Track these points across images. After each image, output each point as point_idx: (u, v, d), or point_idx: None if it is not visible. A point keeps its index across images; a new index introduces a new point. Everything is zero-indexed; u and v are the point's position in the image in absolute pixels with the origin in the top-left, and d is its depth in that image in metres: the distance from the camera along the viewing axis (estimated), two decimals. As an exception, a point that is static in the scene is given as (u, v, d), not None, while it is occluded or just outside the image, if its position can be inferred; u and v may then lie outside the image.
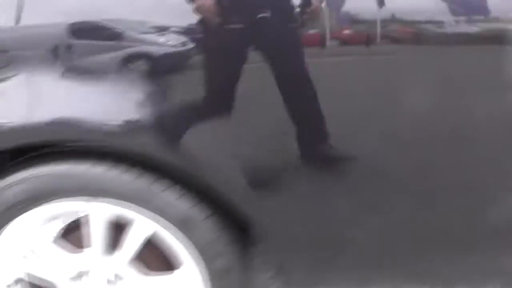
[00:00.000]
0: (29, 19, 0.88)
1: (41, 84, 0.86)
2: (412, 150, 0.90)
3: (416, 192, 0.91)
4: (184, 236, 0.96)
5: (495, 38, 0.83)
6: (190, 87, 0.87)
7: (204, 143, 0.87)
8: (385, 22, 0.83)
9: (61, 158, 0.94)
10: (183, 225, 0.95)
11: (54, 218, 1.00)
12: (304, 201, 0.93)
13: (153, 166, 0.93)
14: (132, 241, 0.99)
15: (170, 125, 0.88)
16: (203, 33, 0.86)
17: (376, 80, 0.86)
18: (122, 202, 0.94)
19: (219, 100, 0.89)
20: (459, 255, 0.96)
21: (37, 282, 1.06)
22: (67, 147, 0.93)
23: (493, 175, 0.90)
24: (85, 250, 1.02)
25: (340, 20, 0.87)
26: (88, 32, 0.88)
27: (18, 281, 1.08)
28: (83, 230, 1.05)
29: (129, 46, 0.88)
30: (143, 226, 0.96)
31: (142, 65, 0.89)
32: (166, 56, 0.88)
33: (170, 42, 0.86)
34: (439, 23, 0.84)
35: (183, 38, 0.86)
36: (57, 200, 0.94)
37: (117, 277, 1.05)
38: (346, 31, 0.87)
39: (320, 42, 0.86)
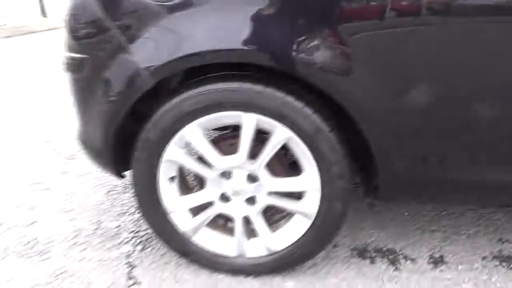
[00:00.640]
0: None
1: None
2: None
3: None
4: (313, 144, 1.29)
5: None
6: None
7: (349, 75, 1.19)
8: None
9: (226, 79, 1.29)
10: (313, 135, 1.28)
11: (214, 126, 1.35)
12: (414, 130, 1.23)
13: (296, 89, 1.27)
14: (271, 147, 1.32)
15: (324, 58, 1.20)
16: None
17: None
18: (271, 116, 1.27)
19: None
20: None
21: (188, 177, 1.41)
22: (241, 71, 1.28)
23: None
24: (232, 155, 1.36)
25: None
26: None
27: (173, 177, 1.43)
28: (231, 141, 1.40)
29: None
30: (282, 134, 1.29)
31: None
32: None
33: None
34: None
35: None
36: (226, 111, 1.28)
37: (255, 177, 1.39)
38: None
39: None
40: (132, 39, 1.25)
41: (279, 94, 1.26)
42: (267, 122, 1.29)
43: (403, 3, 1.11)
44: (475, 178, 1.29)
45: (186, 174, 1.56)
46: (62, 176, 2.21)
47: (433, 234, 1.74)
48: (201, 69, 1.31)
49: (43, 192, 2.05)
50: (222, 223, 1.53)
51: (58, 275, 1.53)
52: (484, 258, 1.60)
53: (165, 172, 1.40)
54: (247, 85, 1.27)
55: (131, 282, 1.50)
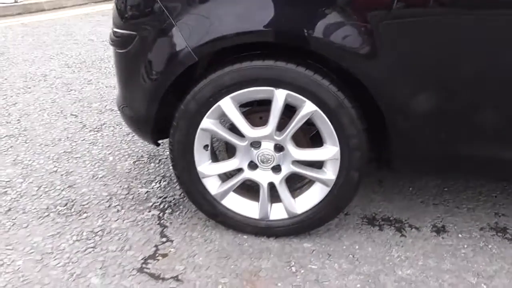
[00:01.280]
0: None
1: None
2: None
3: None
4: (335, 118, 1.45)
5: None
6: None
7: (374, 58, 1.35)
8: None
9: (260, 58, 1.44)
10: (336, 111, 1.44)
11: (246, 100, 1.50)
12: (428, 109, 1.39)
13: (323, 68, 1.42)
14: (297, 120, 1.48)
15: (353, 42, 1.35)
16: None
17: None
18: (300, 92, 1.43)
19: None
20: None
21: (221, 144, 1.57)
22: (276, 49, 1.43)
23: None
24: (262, 127, 1.52)
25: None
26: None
27: (207, 145, 1.59)
28: (260, 114, 1.55)
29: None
30: (308, 109, 1.45)
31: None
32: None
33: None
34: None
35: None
36: (259, 86, 1.44)
37: (281, 148, 1.55)
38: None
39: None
40: (178, 19, 1.40)
41: (308, 72, 1.42)
42: (296, 97, 1.45)
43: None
44: (481, 154, 1.46)
45: (214, 146, 1.71)
46: (91, 146, 2.36)
47: (436, 207, 1.91)
48: (232, 50, 1.46)
49: (75, 160, 2.21)
50: (249, 189, 1.69)
51: (97, 232, 1.69)
52: (482, 228, 1.78)
53: (200, 140, 1.56)
54: (281, 63, 1.42)
55: (164, 239, 1.66)
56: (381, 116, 1.45)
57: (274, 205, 1.65)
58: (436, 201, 1.95)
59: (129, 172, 2.12)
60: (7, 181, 2.01)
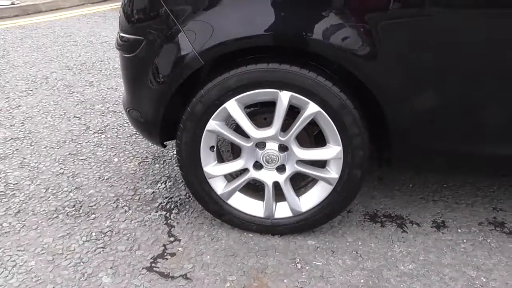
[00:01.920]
0: None
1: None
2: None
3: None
4: (338, 119, 1.49)
5: None
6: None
7: (376, 63, 1.39)
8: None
9: (265, 61, 1.47)
10: (339, 111, 1.48)
11: (251, 102, 1.54)
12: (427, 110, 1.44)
13: (326, 70, 1.46)
14: (301, 121, 1.52)
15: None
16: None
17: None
18: (303, 94, 1.47)
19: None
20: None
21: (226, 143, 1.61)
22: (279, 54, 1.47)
23: None
24: (267, 128, 1.56)
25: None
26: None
27: (212, 147, 1.63)
28: (265, 115, 1.59)
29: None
30: (312, 110, 1.49)
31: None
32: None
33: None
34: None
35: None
36: (263, 88, 1.48)
37: (287, 148, 1.59)
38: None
39: None
40: (184, 24, 1.43)
41: (312, 74, 1.46)
42: (300, 99, 1.49)
43: None
44: (480, 151, 1.51)
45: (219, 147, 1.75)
46: (96, 148, 2.39)
47: (436, 203, 1.95)
48: (237, 53, 1.50)
49: (81, 162, 2.24)
50: (254, 189, 1.73)
51: (106, 232, 1.73)
52: (480, 223, 1.83)
53: (207, 141, 1.60)
54: (285, 66, 1.46)
55: (172, 239, 1.70)
56: (383, 115, 1.49)
57: (278, 203, 1.69)
58: (435, 197, 2.00)
59: (134, 173, 2.16)
60: (15, 184, 2.04)
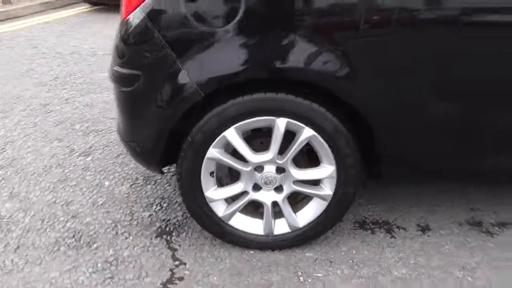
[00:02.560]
0: None
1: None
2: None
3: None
4: (332, 141, 1.58)
5: None
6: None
7: (359, 87, 1.49)
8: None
9: (262, 90, 1.55)
10: (332, 134, 1.58)
11: (249, 129, 1.61)
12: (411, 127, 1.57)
13: (320, 98, 1.55)
14: (297, 145, 1.61)
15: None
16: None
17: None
18: (299, 119, 1.55)
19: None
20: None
21: (225, 171, 1.68)
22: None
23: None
24: (264, 152, 1.64)
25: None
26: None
27: (212, 172, 1.69)
28: (261, 139, 1.67)
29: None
30: (307, 134, 1.58)
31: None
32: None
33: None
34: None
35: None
36: (261, 116, 1.55)
37: (284, 169, 1.67)
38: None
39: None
40: (184, 60, 1.49)
41: (306, 102, 1.54)
42: (295, 124, 1.57)
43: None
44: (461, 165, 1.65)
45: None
46: (84, 172, 2.40)
47: (419, 207, 2.10)
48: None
49: (72, 188, 2.25)
50: (253, 208, 1.81)
51: (111, 261, 1.77)
52: (460, 224, 1.98)
53: (207, 168, 1.66)
54: (281, 95, 1.54)
55: (177, 262, 1.76)
56: (371, 132, 1.60)
57: (277, 220, 1.78)
58: (418, 201, 2.14)
59: (127, 196, 2.19)
60: (8, 217, 2.03)
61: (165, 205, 2.12)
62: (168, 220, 2.01)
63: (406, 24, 1.42)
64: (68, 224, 1.98)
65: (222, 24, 1.45)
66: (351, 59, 1.46)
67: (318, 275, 1.71)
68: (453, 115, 1.57)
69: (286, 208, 1.74)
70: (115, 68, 1.66)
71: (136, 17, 1.52)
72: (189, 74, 1.49)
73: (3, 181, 2.32)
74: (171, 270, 1.72)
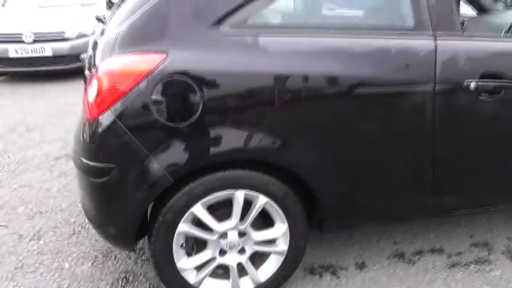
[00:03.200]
0: None
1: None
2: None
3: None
4: (283, 204, 1.90)
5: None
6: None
7: (305, 161, 1.84)
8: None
9: (225, 168, 1.82)
10: (283, 199, 1.89)
11: (212, 202, 1.87)
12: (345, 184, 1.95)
13: (273, 172, 1.87)
14: (254, 211, 1.89)
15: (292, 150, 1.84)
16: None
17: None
18: (254, 190, 1.85)
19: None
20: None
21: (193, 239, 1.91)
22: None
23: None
24: (227, 221, 1.90)
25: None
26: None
27: (182, 244, 1.91)
28: (225, 209, 1.93)
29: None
30: (262, 201, 1.88)
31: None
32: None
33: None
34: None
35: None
36: (223, 191, 1.82)
37: (245, 233, 1.94)
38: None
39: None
40: (155, 152, 1.72)
41: (259, 175, 1.85)
42: (252, 194, 1.87)
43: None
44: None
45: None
46: (40, 256, 2.43)
47: (352, 246, 2.47)
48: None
49: (32, 275, 2.27)
50: (220, 271, 2.03)
51: None
52: (388, 257, 2.39)
53: (177, 241, 1.87)
54: (238, 171, 1.83)
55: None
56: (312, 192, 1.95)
57: (242, 279, 2.02)
58: (350, 242, 2.52)
59: (91, 275, 2.28)
60: (-29, 315, 2.02)
61: (130, 278, 2.24)
62: (138, 293, 2.15)
63: (313, 102, 1.82)
64: (37, 313, 2.02)
65: (184, 120, 1.72)
66: (280, 134, 1.81)
67: (283, 321, 1.96)
68: (372, 173, 1.98)
69: (250, 267, 1.99)
70: (84, 160, 1.83)
71: (106, 118, 1.72)
72: (160, 164, 1.73)
73: (-47, 278, 2.27)
74: None
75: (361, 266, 2.32)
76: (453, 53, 1.89)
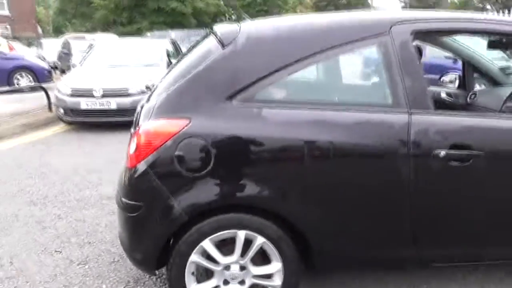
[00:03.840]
0: None
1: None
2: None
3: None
4: (278, 245, 2.30)
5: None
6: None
7: (298, 211, 2.26)
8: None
9: (231, 211, 2.27)
10: (278, 240, 2.29)
11: (219, 239, 2.30)
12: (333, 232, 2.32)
13: (271, 218, 2.29)
14: (253, 249, 2.30)
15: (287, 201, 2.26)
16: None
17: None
18: (253, 231, 2.27)
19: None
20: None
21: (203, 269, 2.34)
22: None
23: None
24: (230, 255, 2.32)
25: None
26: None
27: (193, 272, 2.34)
28: (229, 246, 2.35)
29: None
30: (260, 241, 2.29)
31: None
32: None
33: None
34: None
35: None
36: (227, 230, 2.26)
37: (245, 267, 2.34)
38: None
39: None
40: (175, 195, 2.21)
41: (258, 219, 2.28)
42: (251, 234, 2.28)
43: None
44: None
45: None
46: (84, 278, 2.94)
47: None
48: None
49: (77, 292, 2.78)
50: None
51: None
52: (379, 303, 2.66)
53: (189, 269, 2.31)
54: (241, 214, 2.27)
55: None
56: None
57: (242, 306, 2.40)
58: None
59: (124, 296, 2.74)
60: (27, 318, 2.53)
61: (153, 302, 2.68)
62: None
63: (305, 162, 2.25)
64: (76, 322, 2.49)
65: (200, 171, 2.21)
66: (276, 187, 2.24)
67: None
68: (355, 223, 2.34)
69: (249, 297, 2.38)
70: (123, 199, 2.36)
71: (141, 166, 2.26)
72: (179, 204, 2.21)
73: (16, 290, 2.82)
74: None
75: (352, 309, 2.61)
76: (424, 126, 2.28)
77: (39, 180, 4.98)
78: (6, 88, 11.01)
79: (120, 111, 7.52)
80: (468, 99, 3.74)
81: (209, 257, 2.34)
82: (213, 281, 2.36)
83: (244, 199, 2.26)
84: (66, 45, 18.46)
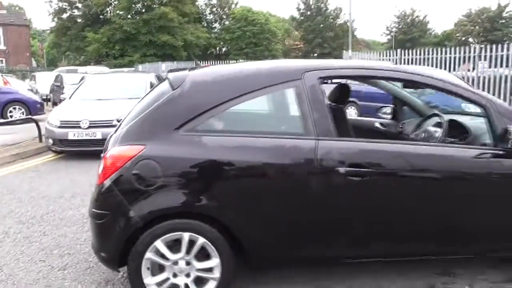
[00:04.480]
0: None
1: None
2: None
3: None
4: (216, 244, 2.91)
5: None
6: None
7: (231, 216, 2.88)
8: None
9: (175, 217, 2.89)
10: (215, 240, 2.90)
11: (168, 240, 2.91)
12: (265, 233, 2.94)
13: (209, 222, 2.91)
14: (196, 247, 2.91)
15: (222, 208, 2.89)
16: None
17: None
18: (196, 233, 2.88)
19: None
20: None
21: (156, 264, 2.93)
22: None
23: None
24: (178, 253, 2.92)
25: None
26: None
27: (148, 267, 2.93)
28: (177, 245, 2.96)
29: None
30: (201, 241, 2.89)
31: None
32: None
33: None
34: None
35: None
36: (175, 232, 2.87)
37: (190, 263, 2.94)
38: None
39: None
40: (132, 204, 2.84)
41: (200, 223, 2.90)
42: (194, 236, 2.90)
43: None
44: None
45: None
46: (63, 280, 3.50)
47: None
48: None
49: (56, 290, 3.34)
50: None
51: (84, 330, 2.85)
52: (305, 294, 3.25)
53: (145, 265, 2.90)
54: (185, 220, 2.89)
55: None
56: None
57: (189, 297, 2.98)
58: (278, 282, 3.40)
59: (95, 293, 3.31)
60: (13, 310, 3.08)
61: (119, 297, 3.25)
62: (121, 305, 3.14)
63: (235, 178, 2.89)
64: (54, 312, 3.05)
65: (152, 186, 2.84)
66: (212, 197, 2.86)
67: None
68: (279, 227, 2.96)
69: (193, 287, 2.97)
70: (92, 209, 2.97)
71: (107, 183, 2.89)
72: (136, 213, 2.83)
73: (5, 290, 3.38)
74: (122, 330, 2.83)
75: (282, 299, 3.20)
76: (328, 149, 2.94)
77: (28, 203, 5.55)
78: (0, 120, 11.63)
79: (105, 141, 8.11)
80: (398, 128, 4.47)
81: (161, 255, 2.93)
82: (165, 274, 2.95)
83: (188, 207, 2.88)
84: (59, 79, 19.19)
